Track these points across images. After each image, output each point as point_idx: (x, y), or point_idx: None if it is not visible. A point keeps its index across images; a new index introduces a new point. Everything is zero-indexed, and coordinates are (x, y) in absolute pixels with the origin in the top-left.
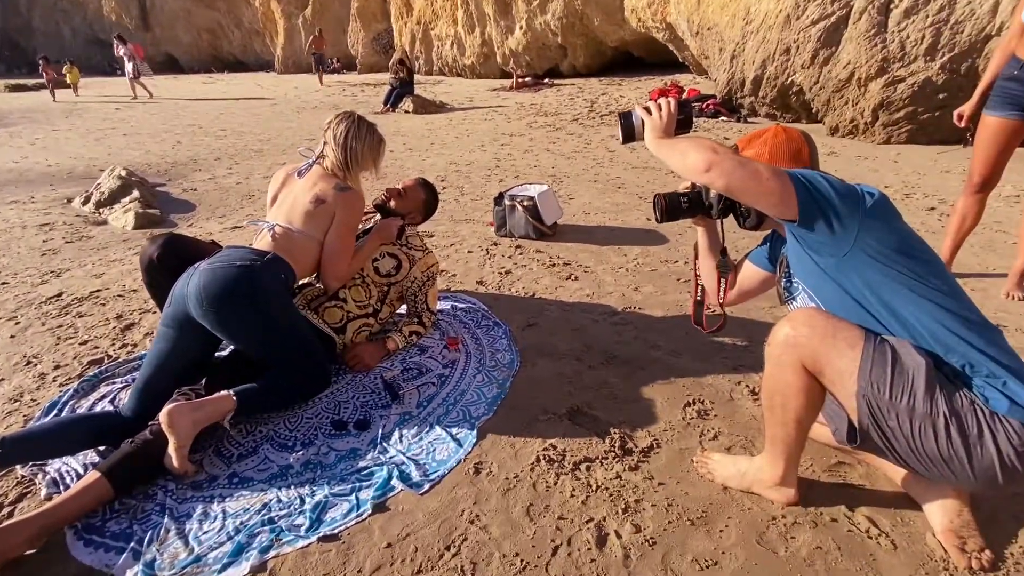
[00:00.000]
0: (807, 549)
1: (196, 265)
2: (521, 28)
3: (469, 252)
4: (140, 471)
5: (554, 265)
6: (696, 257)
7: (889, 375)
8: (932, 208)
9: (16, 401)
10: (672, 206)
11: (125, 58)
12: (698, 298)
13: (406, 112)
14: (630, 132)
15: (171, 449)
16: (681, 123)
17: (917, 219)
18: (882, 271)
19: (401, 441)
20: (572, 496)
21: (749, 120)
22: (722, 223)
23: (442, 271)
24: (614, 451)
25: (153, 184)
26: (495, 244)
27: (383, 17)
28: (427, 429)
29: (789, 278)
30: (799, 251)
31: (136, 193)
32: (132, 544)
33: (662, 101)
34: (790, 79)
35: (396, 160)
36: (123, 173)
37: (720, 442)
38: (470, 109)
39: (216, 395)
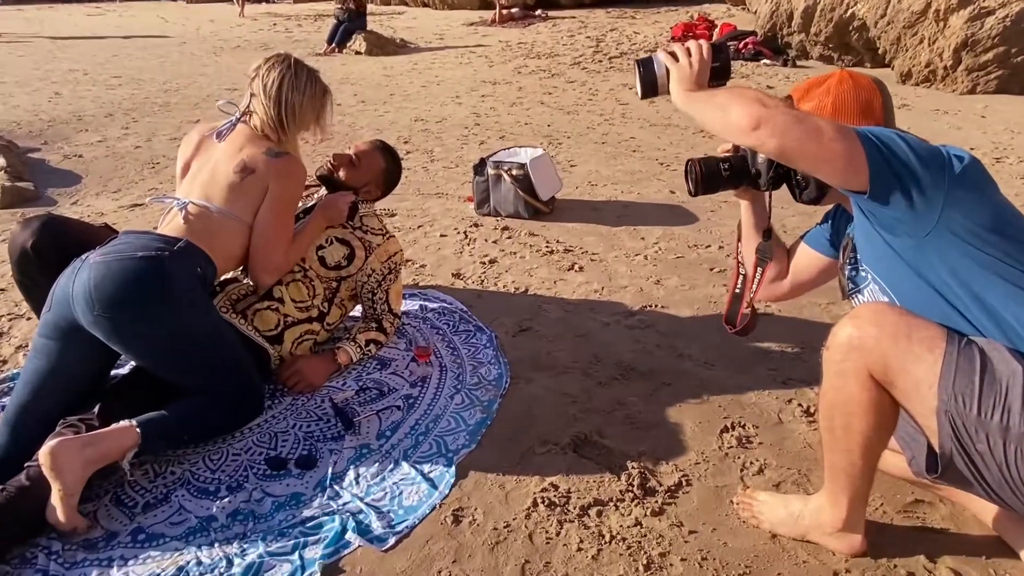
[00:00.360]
0: None
1: (84, 257)
2: None
3: (442, 236)
4: (14, 527)
5: (552, 252)
6: (740, 239)
7: (977, 385)
8: None
9: None
10: (710, 174)
11: None
12: (736, 290)
13: (357, 53)
14: (651, 84)
15: (55, 498)
16: (716, 72)
17: (1011, 189)
18: (972, 255)
19: (358, 483)
20: (580, 550)
21: (798, 64)
22: (771, 196)
23: (407, 261)
24: (632, 491)
25: (24, 149)
26: (475, 225)
27: None
28: (391, 467)
29: (855, 265)
30: (868, 230)
31: (1, 161)
32: None
33: (691, 44)
34: (850, 11)
35: (345, 116)
36: None
37: (767, 477)
38: (440, 49)
39: (113, 426)
